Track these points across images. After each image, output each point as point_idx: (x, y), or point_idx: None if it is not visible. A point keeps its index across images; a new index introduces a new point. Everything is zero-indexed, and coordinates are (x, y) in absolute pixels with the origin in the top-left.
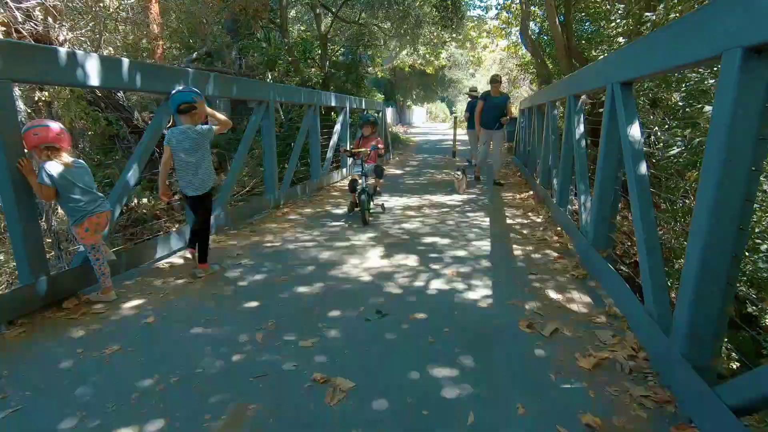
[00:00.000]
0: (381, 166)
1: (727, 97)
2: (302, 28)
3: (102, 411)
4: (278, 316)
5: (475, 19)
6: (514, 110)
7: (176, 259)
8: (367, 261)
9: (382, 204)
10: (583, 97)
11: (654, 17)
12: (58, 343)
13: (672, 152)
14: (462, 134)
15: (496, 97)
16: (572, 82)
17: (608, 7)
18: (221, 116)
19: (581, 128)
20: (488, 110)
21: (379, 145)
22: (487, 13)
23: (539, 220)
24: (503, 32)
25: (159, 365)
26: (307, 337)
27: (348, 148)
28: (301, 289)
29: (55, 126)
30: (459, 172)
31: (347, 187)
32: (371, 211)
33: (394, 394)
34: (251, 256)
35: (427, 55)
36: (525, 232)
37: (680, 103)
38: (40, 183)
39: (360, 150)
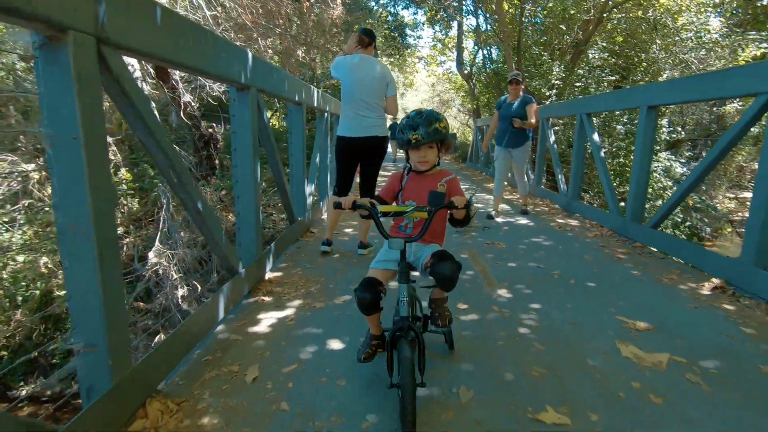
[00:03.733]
0: (451, 259)
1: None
2: None
3: None
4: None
5: (409, 47)
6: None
7: None
8: None
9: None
10: (551, 119)
11: (584, 73)
12: None
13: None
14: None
15: (513, 103)
16: (545, 110)
17: (548, 60)
18: None
19: (552, 138)
20: (503, 122)
21: (453, 193)
22: (420, 40)
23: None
24: (436, 61)
25: None
26: (518, 261)
27: (361, 199)
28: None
29: None
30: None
31: (356, 302)
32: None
33: (583, 275)
34: None
35: None
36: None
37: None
38: None
39: (403, 209)
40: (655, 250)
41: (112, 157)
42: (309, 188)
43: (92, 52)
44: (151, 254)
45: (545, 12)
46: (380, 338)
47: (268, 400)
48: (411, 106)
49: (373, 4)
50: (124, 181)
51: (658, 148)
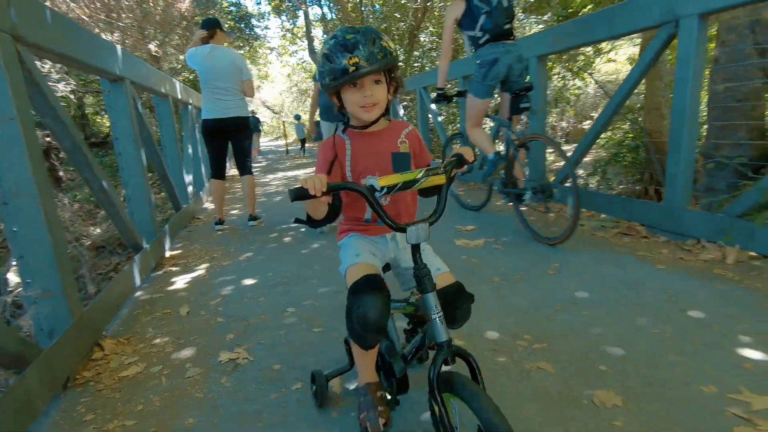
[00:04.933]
0: (468, 297)
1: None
2: None
3: None
4: None
5: (258, 37)
6: None
7: None
8: None
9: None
10: (399, 96)
11: (419, 54)
12: None
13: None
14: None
15: None
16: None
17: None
18: None
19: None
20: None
21: (420, 150)
22: (268, 30)
23: None
24: (288, 51)
25: None
26: None
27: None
28: None
29: None
30: None
31: (356, 323)
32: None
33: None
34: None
35: None
36: None
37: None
38: None
39: (412, 176)
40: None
41: None
42: (188, 178)
43: (12, 48)
44: (10, 275)
45: (381, 1)
46: (380, 384)
47: (206, 320)
48: (269, 98)
49: None
50: None
51: None
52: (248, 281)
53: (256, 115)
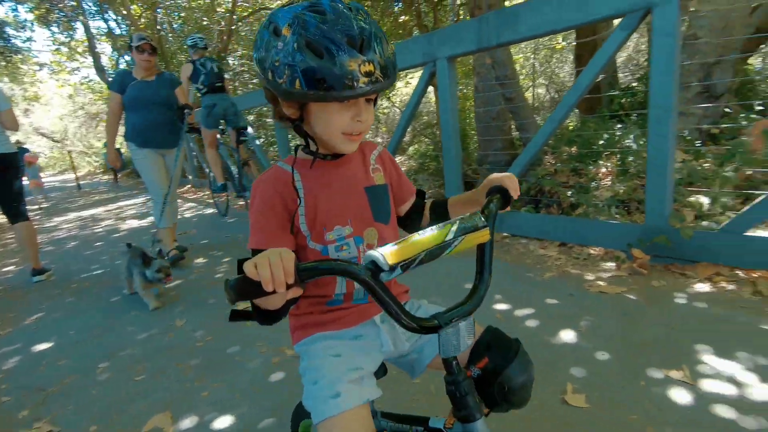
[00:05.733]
0: (517, 347)
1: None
2: None
3: None
4: None
5: (20, 51)
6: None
7: None
8: None
9: None
10: None
11: (230, 77)
12: None
13: None
14: None
15: (152, 80)
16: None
17: None
18: None
19: None
20: (143, 110)
21: (396, 176)
22: (33, 42)
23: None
24: (65, 68)
25: None
26: None
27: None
28: None
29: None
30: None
31: None
32: None
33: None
34: None
35: None
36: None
37: None
38: None
39: (437, 240)
40: None
41: None
42: None
43: None
44: None
45: (180, 20)
46: None
47: None
48: (45, 123)
49: None
50: None
51: None
52: (42, 346)
53: (25, 146)
